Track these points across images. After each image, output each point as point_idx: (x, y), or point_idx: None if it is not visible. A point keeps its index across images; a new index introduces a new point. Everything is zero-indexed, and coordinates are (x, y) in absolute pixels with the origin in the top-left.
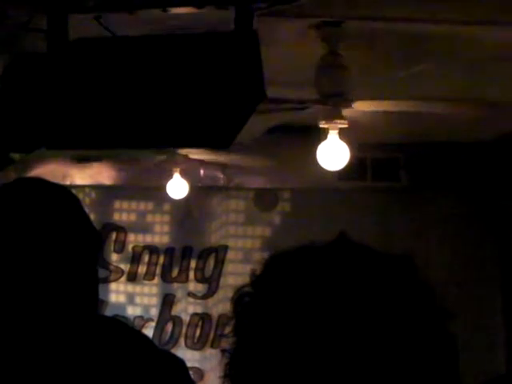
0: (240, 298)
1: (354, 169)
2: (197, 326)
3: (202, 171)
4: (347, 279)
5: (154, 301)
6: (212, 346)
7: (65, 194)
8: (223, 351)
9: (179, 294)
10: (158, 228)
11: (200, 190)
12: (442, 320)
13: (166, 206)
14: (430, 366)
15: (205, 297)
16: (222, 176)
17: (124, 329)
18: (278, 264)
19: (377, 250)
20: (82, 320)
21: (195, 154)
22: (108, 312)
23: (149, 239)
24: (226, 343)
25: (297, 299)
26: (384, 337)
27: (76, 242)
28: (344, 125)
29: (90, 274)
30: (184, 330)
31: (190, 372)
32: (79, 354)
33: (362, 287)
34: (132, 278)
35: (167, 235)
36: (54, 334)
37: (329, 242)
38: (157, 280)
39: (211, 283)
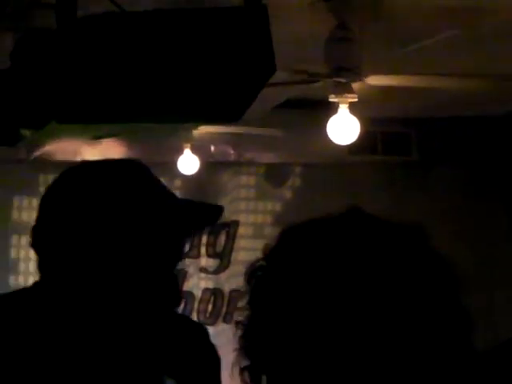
0: (254, 272)
1: (364, 143)
2: (209, 301)
3: (212, 147)
4: (360, 250)
5: None
6: (224, 321)
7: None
8: (237, 323)
9: (191, 269)
10: None
11: (211, 166)
12: (455, 289)
13: (177, 182)
14: (442, 336)
15: (216, 272)
16: (232, 151)
17: None
18: (290, 237)
19: (388, 220)
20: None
21: (206, 127)
22: None
23: None
24: (239, 317)
25: (310, 271)
26: (397, 308)
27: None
28: (354, 99)
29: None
30: (196, 305)
31: None
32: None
33: (374, 257)
34: None
35: None
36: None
37: (341, 213)
38: None
39: (223, 258)
